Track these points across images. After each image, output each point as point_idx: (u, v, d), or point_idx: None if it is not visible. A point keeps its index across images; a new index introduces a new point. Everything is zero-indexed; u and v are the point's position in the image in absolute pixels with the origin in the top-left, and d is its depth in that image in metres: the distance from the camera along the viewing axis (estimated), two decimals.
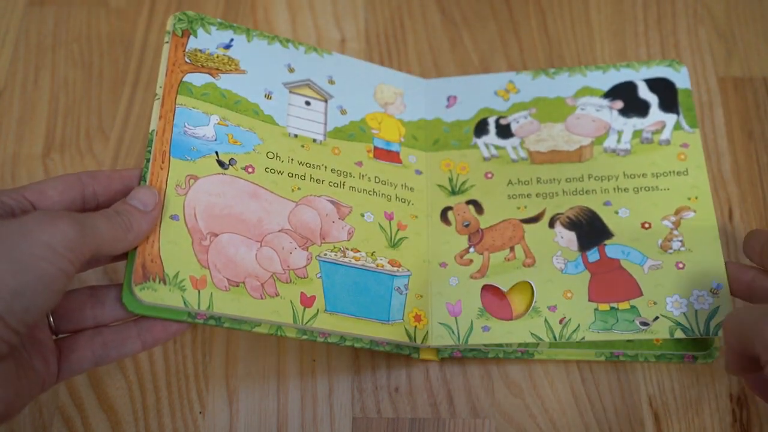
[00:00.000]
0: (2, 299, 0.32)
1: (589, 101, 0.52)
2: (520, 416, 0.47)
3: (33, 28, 0.60)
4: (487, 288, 0.48)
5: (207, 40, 0.48)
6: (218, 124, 0.46)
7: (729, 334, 0.39)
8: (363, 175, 0.49)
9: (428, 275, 0.48)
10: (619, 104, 0.52)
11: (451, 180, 0.52)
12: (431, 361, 0.49)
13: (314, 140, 0.49)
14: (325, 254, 0.46)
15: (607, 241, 0.48)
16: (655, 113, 0.51)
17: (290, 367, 0.49)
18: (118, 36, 0.59)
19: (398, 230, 0.49)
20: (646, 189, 0.49)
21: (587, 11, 0.61)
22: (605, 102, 0.52)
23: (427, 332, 0.47)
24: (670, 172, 0.50)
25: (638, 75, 0.53)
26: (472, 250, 0.49)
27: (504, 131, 0.53)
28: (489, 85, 0.54)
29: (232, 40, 0.49)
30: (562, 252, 0.48)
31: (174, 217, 0.43)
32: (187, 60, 0.47)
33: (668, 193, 0.49)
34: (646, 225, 0.48)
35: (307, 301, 0.44)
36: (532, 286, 0.47)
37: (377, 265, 0.47)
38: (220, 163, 0.45)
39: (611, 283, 0.47)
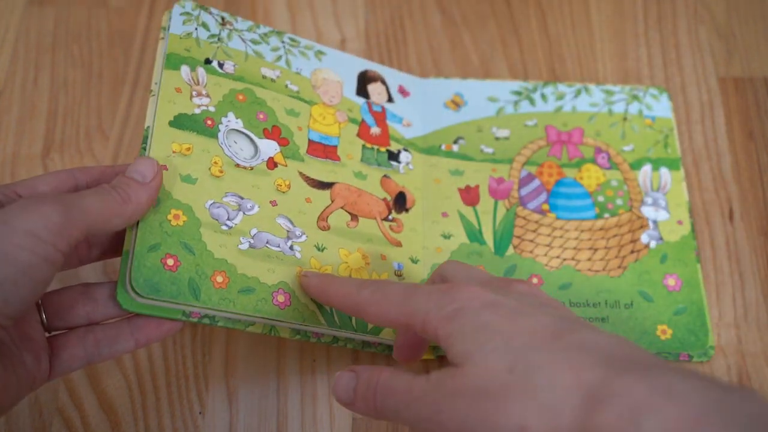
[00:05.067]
0: None
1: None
2: None
3: (33, 28, 0.60)
4: None
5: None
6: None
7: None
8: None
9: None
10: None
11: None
12: (430, 360, 0.49)
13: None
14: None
15: None
16: None
17: (290, 367, 0.49)
18: (118, 36, 0.59)
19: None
20: None
21: (587, 11, 0.61)
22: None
23: None
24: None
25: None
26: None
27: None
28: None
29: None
30: None
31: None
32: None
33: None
34: None
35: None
36: None
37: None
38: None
39: None
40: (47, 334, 0.40)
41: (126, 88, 0.57)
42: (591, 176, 0.53)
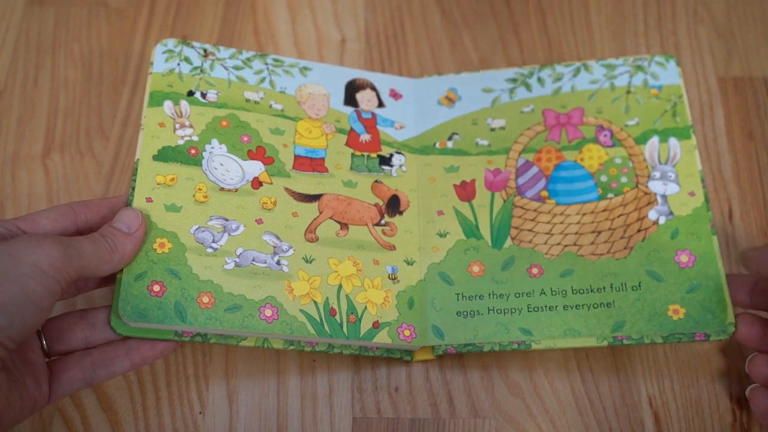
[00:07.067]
0: None
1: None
2: (520, 416, 0.47)
3: (33, 28, 0.60)
4: None
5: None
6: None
7: None
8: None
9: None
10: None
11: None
12: (430, 360, 0.49)
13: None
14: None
15: None
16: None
17: (290, 367, 0.49)
18: (118, 36, 0.59)
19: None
20: None
21: (587, 11, 0.61)
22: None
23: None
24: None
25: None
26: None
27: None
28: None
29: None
30: None
31: None
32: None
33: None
34: None
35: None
36: None
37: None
38: None
39: None
40: (47, 359, 0.42)
41: (126, 88, 0.57)
42: (593, 156, 0.51)
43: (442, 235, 0.50)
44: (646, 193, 0.49)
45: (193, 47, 0.51)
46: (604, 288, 0.47)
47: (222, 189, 0.47)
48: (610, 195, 0.50)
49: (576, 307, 0.47)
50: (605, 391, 0.48)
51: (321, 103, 0.52)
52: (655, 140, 0.51)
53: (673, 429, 0.47)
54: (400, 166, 0.52)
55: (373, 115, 0.53)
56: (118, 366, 0.43)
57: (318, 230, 0.48)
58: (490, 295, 0.48)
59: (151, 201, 0.45)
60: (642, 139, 0.51)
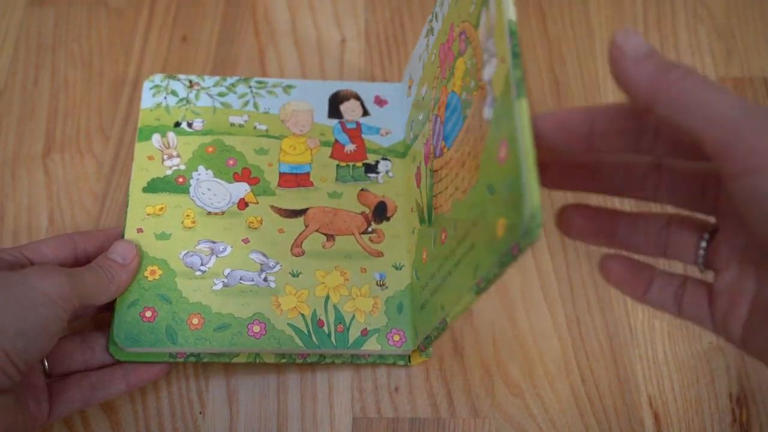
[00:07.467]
0: (8, 338, 0.36)
1: None
2: (520, 416, 0.47)
3: (33, 28, 0.60)
4: None
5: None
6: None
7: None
8: None
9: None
10: None
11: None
12: (429, 360, 0.49)
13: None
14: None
15: None
16: None
17: (290, 366, 0.49)
18: (118, 36, 0.59)
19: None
20: None
21: (587, 11, 0.61)
22: None
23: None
24: None
25: None
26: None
27: None
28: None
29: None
30: None
31: None
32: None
33: None
34: None
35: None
36: None
37: None
38: None
39: None
40: (48, 380, 0.43)
41: (126, 88, 0.57)
42: (458, 75, 0.40)
43: (413, 232, 0.49)
44: (482, 88, 0.36)
45: (179, 80, 0.53)
46: (468, 231, 0.37)
47: (209, 213, 0.48)
48: (467, 112, 0.38)
49: (457, 263, 0.38)
50: (605, 391, 0.48)
51: (305, 119, 0.52)
52: (483, 16, 0.36)
53: (673, 429, 0.47)
54: (387, 171, 0.52)
55: (358, 124, 0.53)
56: (115, 388, 0.44)
57: (304, 244, 0.48)
58: (430, 278, 0.43)
59: (142, 231, 0.47)
60: (477, 23, 0.38)
